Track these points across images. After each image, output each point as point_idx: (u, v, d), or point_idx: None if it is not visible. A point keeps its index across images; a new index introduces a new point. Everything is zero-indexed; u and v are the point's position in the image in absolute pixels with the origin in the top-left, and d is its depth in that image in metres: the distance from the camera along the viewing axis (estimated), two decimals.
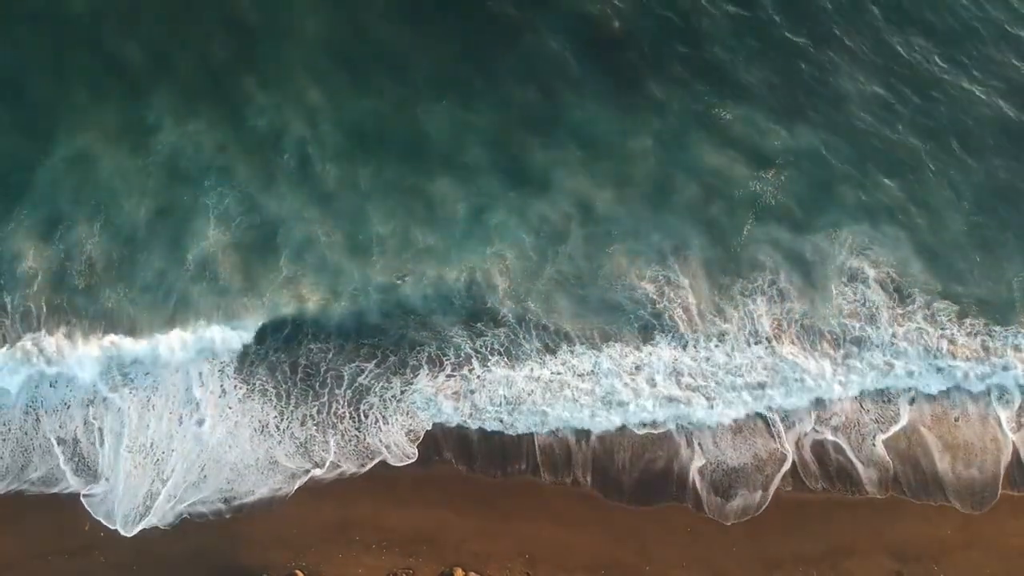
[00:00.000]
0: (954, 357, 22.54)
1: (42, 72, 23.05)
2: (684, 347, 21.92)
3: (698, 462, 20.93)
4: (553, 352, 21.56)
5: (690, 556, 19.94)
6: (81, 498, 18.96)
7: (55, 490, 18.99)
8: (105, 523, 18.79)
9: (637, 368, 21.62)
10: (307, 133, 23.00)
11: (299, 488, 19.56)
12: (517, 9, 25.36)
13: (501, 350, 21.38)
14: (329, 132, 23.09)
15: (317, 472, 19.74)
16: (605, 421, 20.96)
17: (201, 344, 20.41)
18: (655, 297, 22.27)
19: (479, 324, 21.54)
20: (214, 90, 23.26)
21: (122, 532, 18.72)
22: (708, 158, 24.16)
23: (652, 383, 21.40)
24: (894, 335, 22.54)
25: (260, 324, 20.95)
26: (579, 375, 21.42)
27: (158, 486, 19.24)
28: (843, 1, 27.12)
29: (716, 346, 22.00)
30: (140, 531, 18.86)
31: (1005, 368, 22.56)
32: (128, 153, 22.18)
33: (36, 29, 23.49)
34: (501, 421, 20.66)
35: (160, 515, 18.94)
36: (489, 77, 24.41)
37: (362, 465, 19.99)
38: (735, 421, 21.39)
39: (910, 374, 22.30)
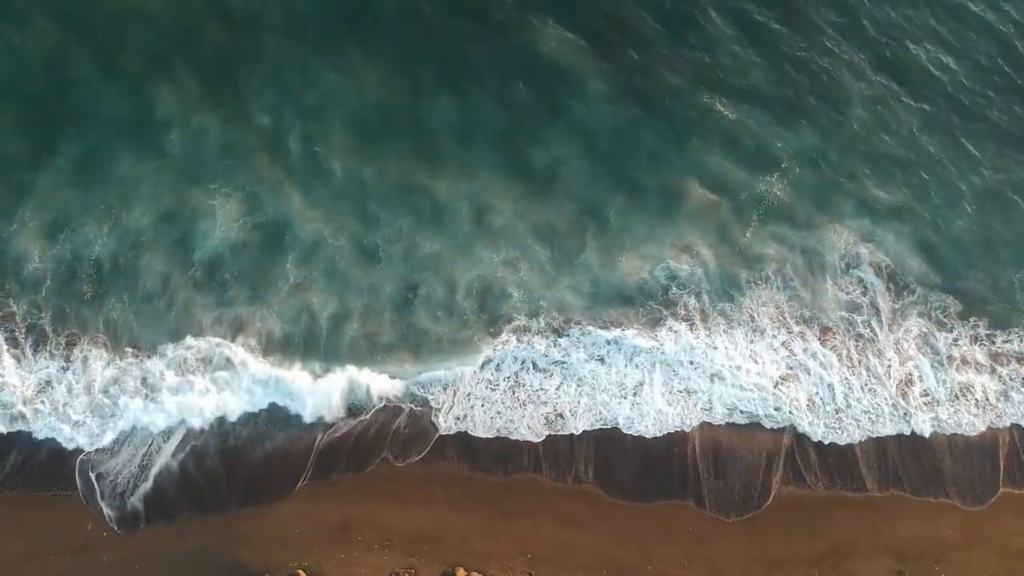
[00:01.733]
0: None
1: (44, 73, 23.27)
2: (696, 341, 22.13)
3: None
4: (566, 336, 21.77)
5: (691, 555, 19.96)
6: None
7: None
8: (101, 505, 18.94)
9: (647, 352, 21.86)
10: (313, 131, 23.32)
11: (299, 488, 19.62)
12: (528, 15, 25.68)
13: (511, 338, 21.69)
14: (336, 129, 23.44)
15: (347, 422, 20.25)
16: (613, 413, 21.11)
17: None
18: (666, 284, 22.59)
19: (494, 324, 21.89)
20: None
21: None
22: (712, 159, 24.39)
23: (664, 376, 21.71)
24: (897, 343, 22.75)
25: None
26: (587, 360, 21.58)
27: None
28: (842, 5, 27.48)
29: (725, 332, 22.23)
30: (142, 530, 18.97)
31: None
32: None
33: (37, 30, 23.65)
34: (511, 422, 20.82)
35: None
36: (491, 78, 24.71)
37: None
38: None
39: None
